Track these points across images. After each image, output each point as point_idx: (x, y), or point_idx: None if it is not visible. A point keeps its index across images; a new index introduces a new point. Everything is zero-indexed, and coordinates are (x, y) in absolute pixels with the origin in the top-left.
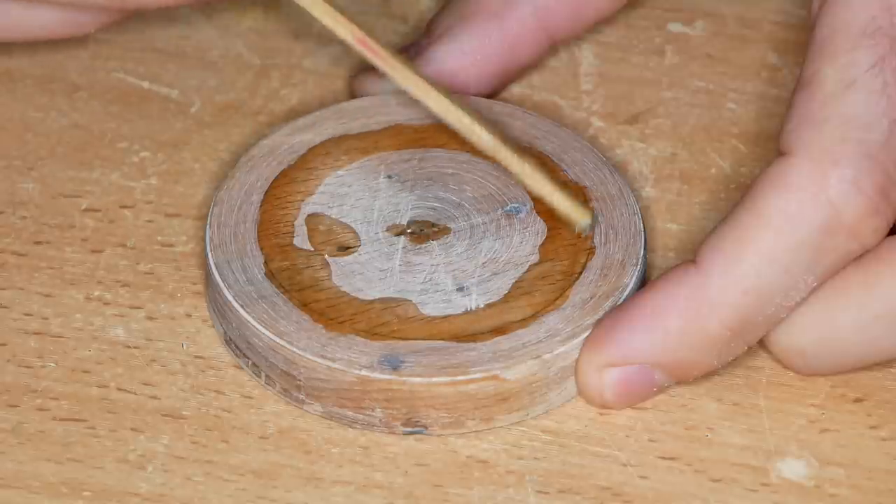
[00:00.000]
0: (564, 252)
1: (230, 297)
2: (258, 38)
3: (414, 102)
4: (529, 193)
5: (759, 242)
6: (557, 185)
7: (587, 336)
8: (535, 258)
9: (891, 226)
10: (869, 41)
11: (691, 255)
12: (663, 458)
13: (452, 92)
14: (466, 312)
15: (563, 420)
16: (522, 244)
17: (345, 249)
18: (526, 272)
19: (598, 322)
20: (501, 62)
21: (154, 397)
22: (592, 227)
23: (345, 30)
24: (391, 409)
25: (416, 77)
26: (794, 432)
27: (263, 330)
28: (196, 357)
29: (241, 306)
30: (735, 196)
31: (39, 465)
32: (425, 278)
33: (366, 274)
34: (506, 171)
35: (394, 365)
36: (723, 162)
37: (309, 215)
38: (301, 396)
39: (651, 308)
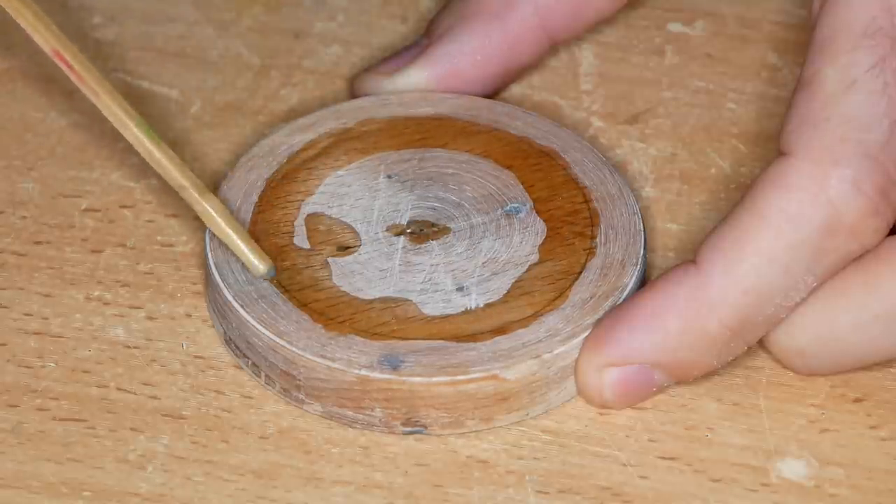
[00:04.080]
0: (564, 252)
1: (230, 297)
2: (258, 38)
3: (415, 103)
4: (529, 193)
5: (759, 242)
6: (238, 231)
7: (587, 336)
8: (534, 258)
9: (891, 226)
10: (869, 42)
11: (691, 255)
12: (663, 458)
13: (452, 92)
14: (466, 312)
15: (563, 420)
16: (522, 244)
17: (345, 249)
18: (526, 272)
19: (598, 322)
20: (502, 62)
21: (154, 397)
22: (271, 276)
23: (43, 39)
24: (391, 408)
25: (111, 101)
26: (794, 432)
27: (263, 330)
28: (196, 357)
29: (241, 306)
30: (735, 196)
31: (39, 465)
32: (425, 278)
33: (366, 274)
34: (187, 205)
35: (394, 365)
36: (723, 162)
37: (309, 215)
38: (301, 396)
39: (651, 308)
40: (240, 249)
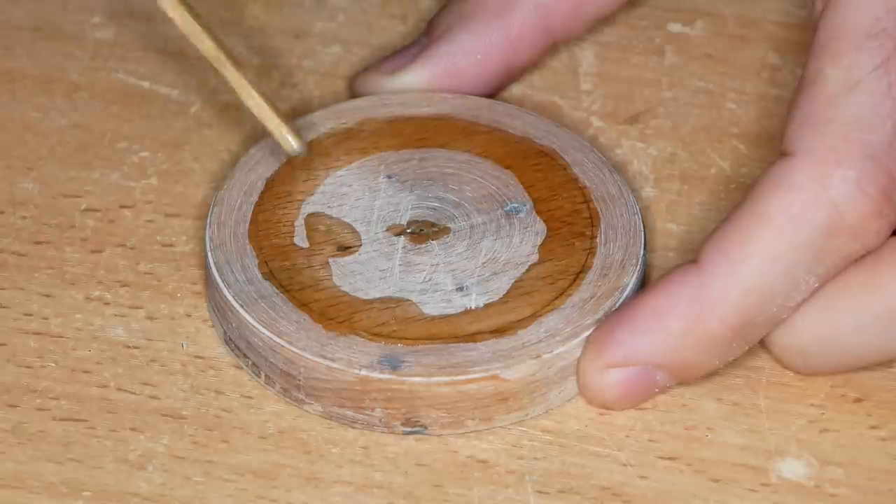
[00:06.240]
0: (564, 252)
1: (230, 297)
2: (258, 38)
3: (415, 103)
4: (529, 193)
5: (761, 243)
6: (275, 108)
7: (589, 337)
8: (534, 258)
9: (893, 227)
10: (873, 42)
11: (691, 255)
12: (663, 458)
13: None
14: (466, 312)
15: (563, 420)
16: (522, 244)
17: (345, 249)
18: (526, 272)
19: (600, 323)
20: (502, 61)
21: (154, 397)
22: (303, 152)
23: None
24: (391, 409)
25: None
26: (794, 432)
27: (263, 330)
28: (196, 357)
29: (241, 306)
30: (735, 196)
31: (39, 465)
32: (425, 278)
33: (366, 274)
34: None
35: (393, 365)
36: (723, 162)
37: (309, 215)
38: (301, 396)
39: (652, 309)
40: (275, 127)
